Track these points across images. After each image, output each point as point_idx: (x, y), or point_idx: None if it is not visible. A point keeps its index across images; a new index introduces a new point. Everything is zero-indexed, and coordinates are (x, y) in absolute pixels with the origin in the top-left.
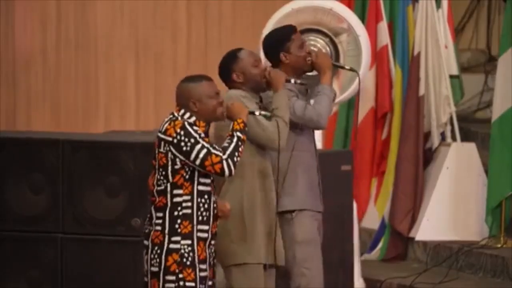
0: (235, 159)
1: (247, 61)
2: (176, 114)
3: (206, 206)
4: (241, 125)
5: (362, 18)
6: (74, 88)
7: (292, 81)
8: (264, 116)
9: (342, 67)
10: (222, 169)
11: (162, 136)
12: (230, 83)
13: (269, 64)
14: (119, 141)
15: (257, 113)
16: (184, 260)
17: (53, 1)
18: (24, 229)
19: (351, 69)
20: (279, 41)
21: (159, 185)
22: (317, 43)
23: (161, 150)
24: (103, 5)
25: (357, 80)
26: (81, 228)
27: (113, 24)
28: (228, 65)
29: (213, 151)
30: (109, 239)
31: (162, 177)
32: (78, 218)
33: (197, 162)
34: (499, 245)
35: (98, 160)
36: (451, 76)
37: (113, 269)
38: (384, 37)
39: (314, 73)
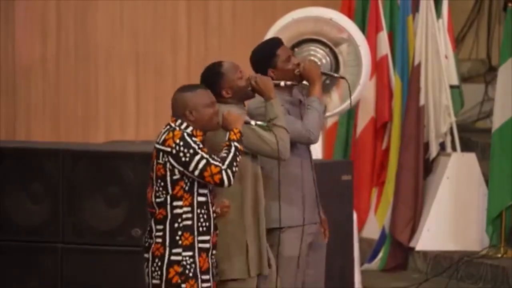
0: (233, 169)
1: (232, 75)
2: (173, 125)
3: (206, 216)
4: (238, 135)
5: (362, 28)
6: (74, 98)
7: (282, 83)
8: (260, 126)
9: (331, 75)
10: (222, 179)
11: (160, 146)
12: (218, 99)
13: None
14: (119, 151)
15: (252, 122)
16: (187, 271)
17: (53, 12)
18: (24, 239)
19: (341, 77)
20: (265, 58)
21: (158, 197)
22: (317, 53)
23: (159, 161)
24: (103, 16)
25: (357, 89)
26: (81, 238)
27: (113, 35)
28: (216, 83)
29: (212, 161)
30: (109, 249)
31: (161, 188)
32: (78, 228)
33: (196, 172)
34: (499, 255)
35: (98, 170)
36: (451, 86)
37: (113, 279)
38: (384, 47)
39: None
